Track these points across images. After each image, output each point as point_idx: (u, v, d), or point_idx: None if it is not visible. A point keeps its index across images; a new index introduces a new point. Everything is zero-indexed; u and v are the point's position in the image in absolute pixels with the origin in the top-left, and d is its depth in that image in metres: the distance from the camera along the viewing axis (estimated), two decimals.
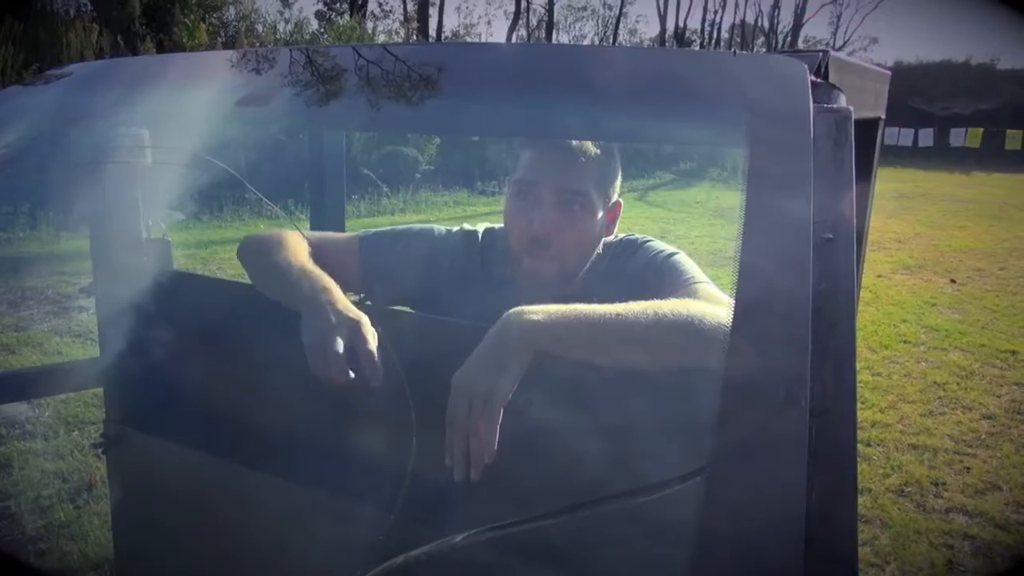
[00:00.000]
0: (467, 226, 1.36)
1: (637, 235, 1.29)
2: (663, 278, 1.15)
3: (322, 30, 16.10)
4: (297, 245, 1.16)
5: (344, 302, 1.02)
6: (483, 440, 0.86)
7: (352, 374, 0.94)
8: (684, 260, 1.20)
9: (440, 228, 1.36)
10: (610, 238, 1.28)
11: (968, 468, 3.19)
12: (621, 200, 1.28)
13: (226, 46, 11.86)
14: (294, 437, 1.09)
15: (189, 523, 1.26)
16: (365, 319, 0.99)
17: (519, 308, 0.92)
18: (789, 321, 0.59)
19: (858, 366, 0.63)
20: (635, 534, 0.65)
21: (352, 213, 8.64)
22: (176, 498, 1.28)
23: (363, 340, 0.96)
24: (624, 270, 1.22)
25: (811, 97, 0.72)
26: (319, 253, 1.17)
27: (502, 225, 1.31)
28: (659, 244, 1.25)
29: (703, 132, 0.91)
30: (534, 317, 0.91)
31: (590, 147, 1.18)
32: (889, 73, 1.38)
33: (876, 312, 5.55)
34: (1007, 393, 4.10)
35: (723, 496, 0.52)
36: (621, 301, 0.93)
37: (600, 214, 1.22)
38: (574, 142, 1.18)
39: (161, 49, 10.20)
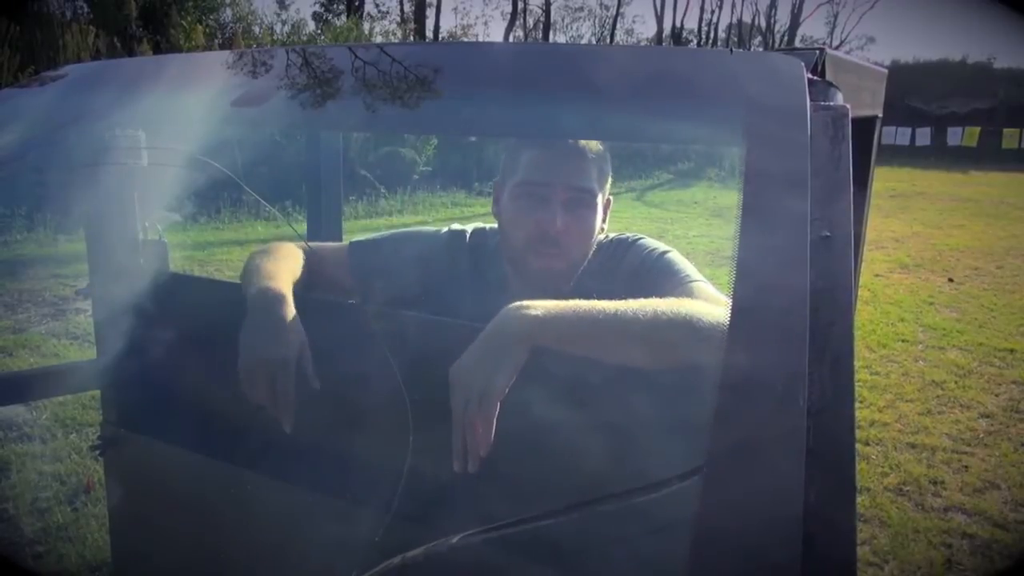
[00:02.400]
0: (455, 226, 1.36)
1: (628, 234, 1.29)
2: (658, 276, 1.15)
3: (319, 31, 16.08)
4: (283, 257, 1.18)
5: (285, 317, 1.04)
6: (479, 434, 0.86)
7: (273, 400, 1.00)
8: (678, 258, 1.20)
9: (429, 229, 1.36)
10: (602, 237, 1.28)
11: (966, 467, 3.19)
12: (611, 196, 1.29)
13: (223, 48, 11.84)
14: (290, 438, 1.09)
15: (186, 525, 1.26)
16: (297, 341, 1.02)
17: (518, 303, 0.92)
18: (786, 319, 0.59)
19: (856, 365, 0.63)
20: (632, 533, 0.65)
21: (350, 214, 8.64)
22: (173, 500, 1.27)
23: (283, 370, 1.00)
24: (618, 269, 1.22)
25: (808, 95, 0.72)
26: (311, 264, 1.21)
27: (493, 225, 1.31)
28: (651, 242, 1.25)
29: (700, 130, 0.91)
30: (533, 312, 0.91)
31: (593, 144, 1.19)
32: (886, 72, 1.37)
33: (874, 311, 5.56)
34: (1005, 392, 4.10)
35: (720, 495, 0.52)
36: (616, 299, 0.93)
37: (600, 210, 1.23)
38: (579, 141, 1.18)
39: (158, 51, 10.18)
